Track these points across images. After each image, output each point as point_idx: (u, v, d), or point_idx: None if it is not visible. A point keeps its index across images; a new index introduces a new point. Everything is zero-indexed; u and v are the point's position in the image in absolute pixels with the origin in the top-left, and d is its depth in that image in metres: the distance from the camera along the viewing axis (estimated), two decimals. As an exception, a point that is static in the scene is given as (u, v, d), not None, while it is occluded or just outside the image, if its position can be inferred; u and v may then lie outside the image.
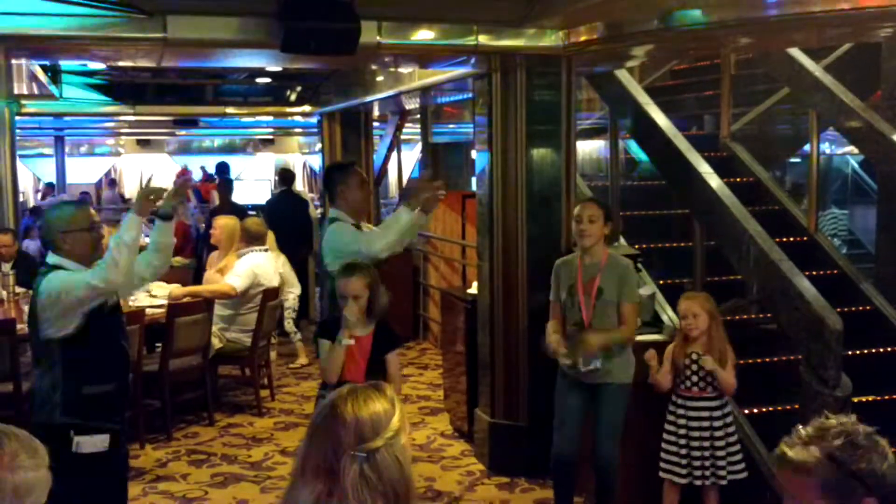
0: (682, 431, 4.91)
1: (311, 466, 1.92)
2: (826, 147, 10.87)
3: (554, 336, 4.93)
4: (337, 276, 4.36)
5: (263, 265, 7.51)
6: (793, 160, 9.10)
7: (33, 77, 9.61)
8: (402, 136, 12.32)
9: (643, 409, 5.14)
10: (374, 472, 1.87)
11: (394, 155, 12.01)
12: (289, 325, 8.69)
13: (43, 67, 9.24)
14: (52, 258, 3.94)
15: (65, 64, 9.43)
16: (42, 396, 3.93)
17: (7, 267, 7.59)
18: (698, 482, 4.90)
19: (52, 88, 9.81)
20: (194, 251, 10.90)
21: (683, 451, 4.91)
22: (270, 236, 8.14)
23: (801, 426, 2.05)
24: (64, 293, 3.83)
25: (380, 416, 1.92)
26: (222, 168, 13.96)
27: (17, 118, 9.90)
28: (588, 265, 4.87)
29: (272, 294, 7.46)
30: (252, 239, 7.63)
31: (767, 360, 5.91)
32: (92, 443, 3.89)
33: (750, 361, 5.80)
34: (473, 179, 7.16)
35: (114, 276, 3.81)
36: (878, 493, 1.95)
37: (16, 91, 9.35)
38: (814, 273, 5.84)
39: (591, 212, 4.83)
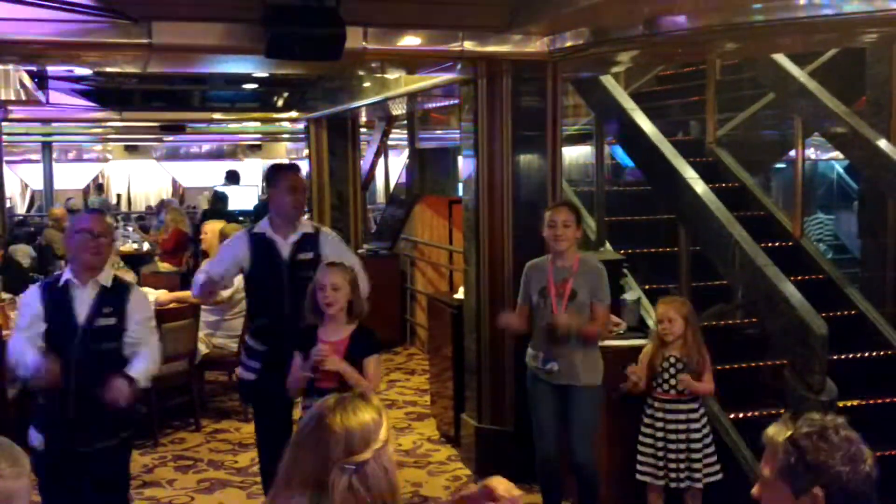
0: (660, 434, 4.94)
1: (297, 478, 1.91)
2: (811, 152, 10.91)
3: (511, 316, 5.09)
4: (318, 270, 4.29)
5: (249, 270, 7.48)
6: (778, 165, 9.13)
7: (20, 83, 9.57)
8: (389, 142, 12.33)
9: (626, 411, 5.14)
10: (362, 484, 1.87)
11: (381, 160, 12.01)
12: None
13: (29, 73, 9.20)
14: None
15: (51, 70, 9.39)
16: None
17: (-8, 273, 7.57)
18: (674, 484, 4.93)
19: (39, 94, 9.76)
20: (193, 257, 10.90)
21: (660, 454, 4.94)
22: None
23: (788, 413, 2.15)
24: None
25: (369, 428, 1.92)
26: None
27: (4, 124, 9.94)
28: (560, 268, 4.88)
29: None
30: None
31: (752, 364, 5.92)
32: (33, 437, 4.01)
33: (735, 366, 5.81)
34: (460, 185, 7.16)
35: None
36: (830, 489, 2.01)
37: (2, 97, 9.33)
38: (799, 278, 5.86)
39: (564, 216, 4.83)
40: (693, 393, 4.91)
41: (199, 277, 4.89)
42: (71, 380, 3.91)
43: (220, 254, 5.10)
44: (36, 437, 3.99)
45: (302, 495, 1.89)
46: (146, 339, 4.14)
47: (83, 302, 3.96)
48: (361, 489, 1.85)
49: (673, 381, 4.93)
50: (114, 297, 4.04)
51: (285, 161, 20.67)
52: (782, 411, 5.42)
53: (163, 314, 6.72)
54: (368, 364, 4.15)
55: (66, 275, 4.01)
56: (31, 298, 4.05)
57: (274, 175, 4.98)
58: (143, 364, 4.05)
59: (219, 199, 11.50)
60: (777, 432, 2.09)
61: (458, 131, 7.01)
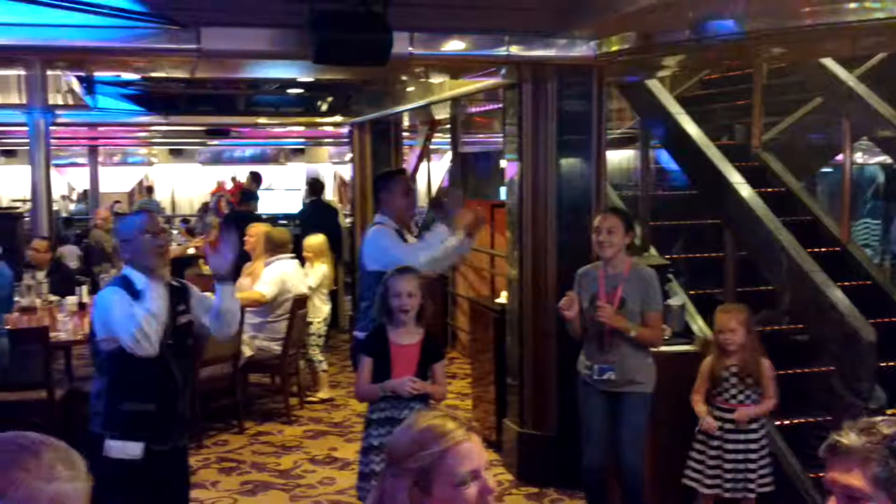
0: (716, 442, 4.88)
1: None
2: (858, 157, 10.77)
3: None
4: (389, 277, 4.36)
5: (291, 273, 7.54)
6: (825, 170, 9.02)
7: (68, 87, 9.72)
8: (432, 146, 12.35)
9: (674, 419, 5.11)
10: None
11: (423, 164, 12.03)
12: (314, 351, 8.17)
13: (78, 78, 9.35)
14: (124, 269, 4.00)
15: (99, 75, 9.53)
16: (91, 405, 3.99)
17: (41, 275, 7.68)
18: (727, 494, 4.86)
19: (87, 99, 9.92)
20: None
21: (714, 462, 4.88)
22: (320, 246, 8.20)
23: (849, 422, 2.06)
24: (105, 313, 3.88)
25: (400, 445, 1.98)
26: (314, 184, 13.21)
27: (52, 128, 10.10)
28: (611, 275, 4.85)
29: (302, 302, 7.49)
30: (276, 247, 7.63)
31: (799, 371, 5.84)
32: (121, 448, 3.87)
33: (781, 373, 5.73)
34: (502, 189, 7.16)
35: (143, 349, 3.77)
36: None
37: (51, 101, 9.48)
38: (847, 284, 5.78)
39: (609, 223, 4.81)
40: (757, 414, 4.88)
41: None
42: (177, 378, 3.95)
43: (400, 245, 5.05)
44: (132, 447, 3.88)
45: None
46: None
47: (163, 302, 3.94)
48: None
49: (734, 391, 4.88)
50: (182, 295, 4.07)
51: (319, 166, 20.84)
52: (829, 419, 5.36)
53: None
54: (437, 370, 4.37)
55: (138, 279, 3.91)
56: (117, 295, 3.90)
57: (388, 180, 5.26)
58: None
59: (249, 199, 11.26)
60: (861, 441, 2.00)
61: (500, 135, 6.99)
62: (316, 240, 8.28)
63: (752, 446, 4.84)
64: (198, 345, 6.22)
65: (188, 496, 4.32)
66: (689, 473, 4.99)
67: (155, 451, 3.91)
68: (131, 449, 3.88)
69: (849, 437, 2.01)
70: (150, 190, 18.60)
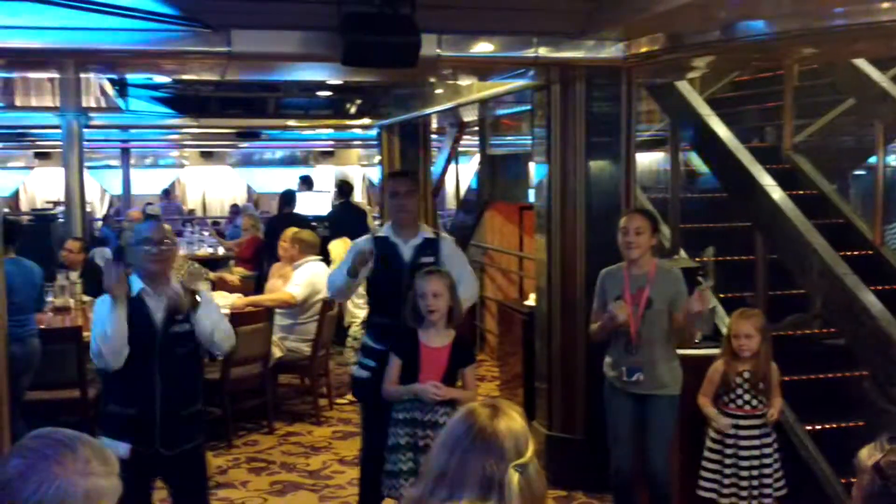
0: (730, 451, 4.79)
1: (464, 482, 1.95)
2: (892, 159, 10.64)
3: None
4: (417, 277, 4.39)
5: (321, 275, 7.57)
6: (858, 172, 8.94)
7: (101, 90, 9.82)
8: (460, 148, 12.36)
9: (702, 421, 5.07)
10: (528, 485, 1.92)
11: (452, 166, 12.05)
12: (349, 355, 8.07)
13: (110, 81, 9.44)
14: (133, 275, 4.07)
15: (131, 77, 9.63)
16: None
17: (74, 275, 7.76)
18: (744, 502, 4.78)
19: (119, 101, 10.02)
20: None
21: (729, 471, 4.79)
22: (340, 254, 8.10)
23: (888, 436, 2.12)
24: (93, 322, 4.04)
25: (526, 431, 2.01)
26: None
27: (85, 130, 10.21)
28: (635, 275, 4.80)
29: (331, 304, 7.52)
30: (307, 249, 7.68)
31: (831, 375, 5.80)
32: (110, 446, 3.95)
33: (813, 377, 5.71)
34: (531, 191, 7.15)
35: (105, 363, 3.93)
36: None
37: (84, 104, 9.59)
38: (879, 287, 5.72)
39: (637, 223, 4.76)
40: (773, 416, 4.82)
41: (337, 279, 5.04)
42: (156, 385, 3.99)
43: (346, 256, 5.14)
44: (122, 446, 3.93)
45: (464, 497, 1.94)
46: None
47: (158, 309, 4.02)
48: (527, 488, 1.91)
49: (747, 397, 4.81)
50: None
51: (348, 168, 20.92)
52: (861, 424, 5.32)
53: (237, 318, 6.83)
54: (467, 375, 4.37)
55: (138, 285, 4.02)
56: (104, 306, 3.99)
57: (387, 181, 5.19)
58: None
59: (290, 202, 11.31)
60: (868, 456, 2.06)
61: (529, 137, 6.99)
62: (339, 246, 8.02)
63: (767, 451, 4.78)
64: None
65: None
66: (704, 484, 4.87)
67: (142, 455, 3.96)
68: (120, 448, 3.91)
69: (864, 451, 2.10)
70: (167, 193, 18.73)
